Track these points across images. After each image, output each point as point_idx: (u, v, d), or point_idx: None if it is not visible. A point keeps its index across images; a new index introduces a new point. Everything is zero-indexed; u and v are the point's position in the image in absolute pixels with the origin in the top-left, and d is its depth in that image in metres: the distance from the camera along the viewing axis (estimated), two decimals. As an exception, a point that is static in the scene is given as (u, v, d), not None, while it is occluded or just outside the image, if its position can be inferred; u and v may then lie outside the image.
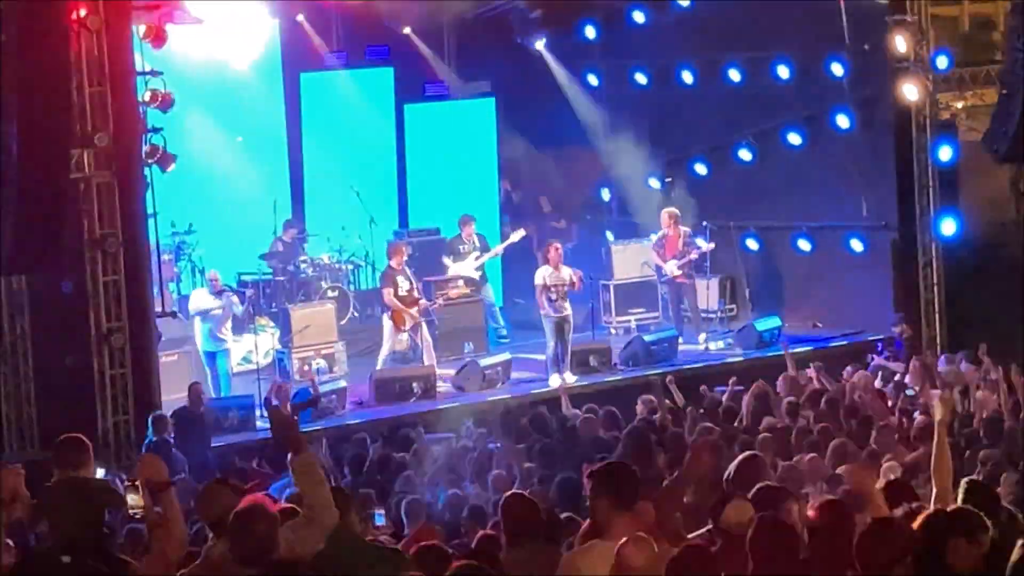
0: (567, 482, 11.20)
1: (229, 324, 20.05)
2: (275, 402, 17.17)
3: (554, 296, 20.07)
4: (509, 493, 8.81)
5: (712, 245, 22.31)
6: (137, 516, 7.62)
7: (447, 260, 22.30)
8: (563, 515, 9.66)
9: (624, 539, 6.90)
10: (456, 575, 6.73)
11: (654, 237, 22.17)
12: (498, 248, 22.43)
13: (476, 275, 22.13)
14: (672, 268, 21.79)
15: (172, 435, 16.56)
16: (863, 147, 21.74)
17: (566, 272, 20.25)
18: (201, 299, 20.05)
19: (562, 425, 15.98)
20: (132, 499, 7.56)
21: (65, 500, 6.83)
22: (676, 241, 21.90)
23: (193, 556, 7.47)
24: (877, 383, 18.20)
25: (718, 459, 9.42)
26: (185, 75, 20.43)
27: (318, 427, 18.22)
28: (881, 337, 20.78)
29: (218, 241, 22.38)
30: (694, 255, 21.94)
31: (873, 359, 19.88)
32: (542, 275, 20.17)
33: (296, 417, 17.39)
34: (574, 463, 12.91)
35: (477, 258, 22.14)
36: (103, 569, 6.95)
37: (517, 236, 22.20)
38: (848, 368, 18.75)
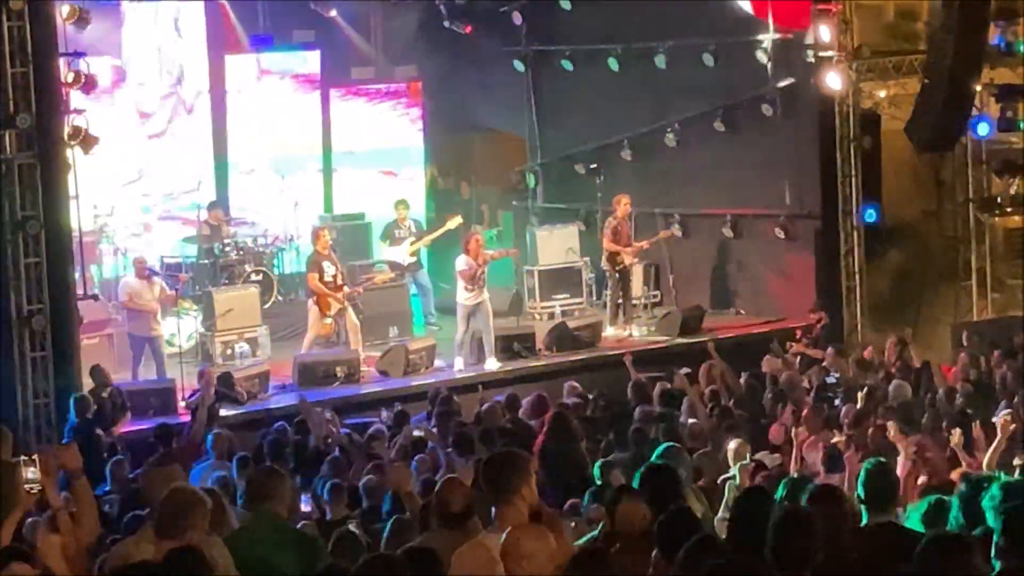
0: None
1: (159, 311, 19.85)
2: (198, 388, 17.17)
3: (471, 287, 19.83)
4: (447, 476, 8.78)
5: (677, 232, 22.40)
6: (34, 492, 7.62)
7: (382, 244, 22.28)
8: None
9: (511, 527, 6.87)
10: (369, 563, 6.67)
11: (610, 221, 21.60)
12: (433, 234, 22.21)
13: (410, 260, 22.08)
14: (630, 255, 21.69)
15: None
16: (786, 135, 21.85)
17: (489, 255, 20.10)
18: (133, 288, 19.71)
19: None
20: (30, 474, 7.57)
21: None
22: (627, 228, 21.78)
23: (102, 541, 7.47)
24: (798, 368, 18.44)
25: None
26: (110, 56, 20.29)
27: (241, 411, 18.20)
28: (802, 324, 20.90)
29: (141, 223, 22.27)
30: (664, 234, 22.00)
31: (792, 346, 20.04)
32: (464, 263, 19.85)
33: (218, 405, 17.31)
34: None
35: (412, 243, 22.09)
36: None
37: (454, 223, 21.91)
38: (767, 357, 18.81)
